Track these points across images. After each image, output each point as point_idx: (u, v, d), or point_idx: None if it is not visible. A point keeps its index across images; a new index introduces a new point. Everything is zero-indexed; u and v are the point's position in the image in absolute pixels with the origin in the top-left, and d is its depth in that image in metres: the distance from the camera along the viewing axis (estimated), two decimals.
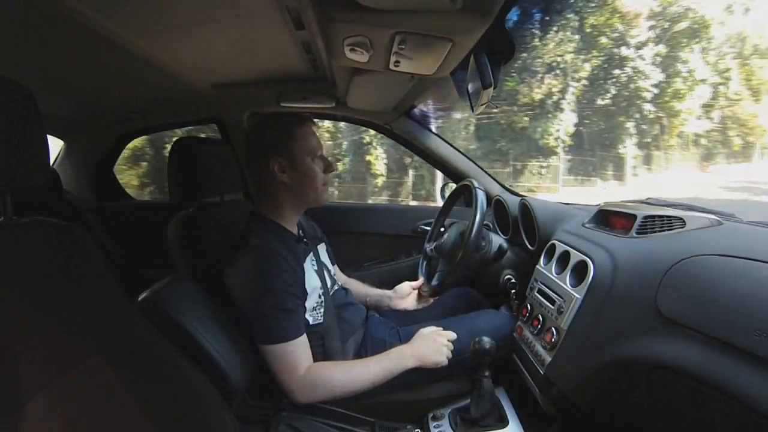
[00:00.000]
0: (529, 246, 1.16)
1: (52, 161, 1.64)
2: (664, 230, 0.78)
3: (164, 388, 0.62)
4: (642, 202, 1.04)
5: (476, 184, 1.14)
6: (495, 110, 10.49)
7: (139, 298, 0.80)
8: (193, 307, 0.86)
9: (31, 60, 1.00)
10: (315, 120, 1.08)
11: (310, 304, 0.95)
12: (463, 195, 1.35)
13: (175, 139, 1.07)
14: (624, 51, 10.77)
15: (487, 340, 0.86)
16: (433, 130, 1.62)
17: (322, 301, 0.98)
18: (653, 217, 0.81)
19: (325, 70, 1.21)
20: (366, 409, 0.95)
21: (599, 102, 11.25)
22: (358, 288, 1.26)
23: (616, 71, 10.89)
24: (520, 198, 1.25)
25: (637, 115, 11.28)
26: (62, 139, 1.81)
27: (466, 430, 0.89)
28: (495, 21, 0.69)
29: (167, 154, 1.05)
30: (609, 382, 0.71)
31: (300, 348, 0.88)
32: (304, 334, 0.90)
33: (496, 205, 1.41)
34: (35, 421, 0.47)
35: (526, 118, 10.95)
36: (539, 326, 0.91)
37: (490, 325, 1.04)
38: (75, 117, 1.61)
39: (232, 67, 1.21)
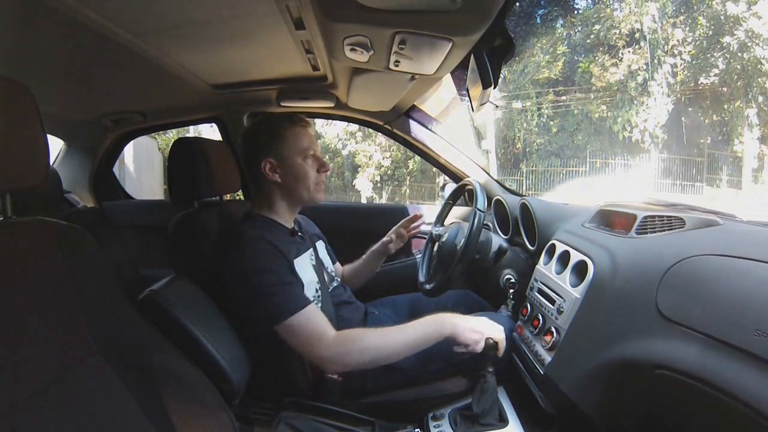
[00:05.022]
0: (529, 246, 1.16)
1: (52, 161, 1.65)
2: (664, 230, 0.78)
3: (164, 387, 0.62)
4: (642, 202, 1.04)
5: (476, 185, 1.14)
6: (563, 97, 9.00)
7: (139, 298, 0.80)
8: (193, 306, 0.86)
9: (31, 60, 1.00)
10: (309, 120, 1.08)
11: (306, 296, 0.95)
12: (463, 195, 1.35)
13: (174, 139, 1.07)
14: (732, 8, 7.50)
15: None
16: (433, 129, 1.62)
17: (319, 296, 0.98)
18: (653, 217, 0.81)
19: (325, 70, 1.21)
20: (366, 409, 0.95)
21: (702, 81, 8.25)
22: (352, 268, 1.31)
23: (725, 39, 7.64)
24: (520, 198, 1.25)
25: (760, 98, 7.86)
26: (62, 139, 1.81)
27: (466, 430, 0.89)
28: (495, 21, 0.69)
29: None
30: (609, 381, 0.71)
31: (316, 314, 0.86)
32: (313, 303, 0.89)
33: (496, 205, 1.41)
34: (35, 422, 0.47)
35: (603, 107, 8.60)
36: (539, 326, 0.91)
37: None
38: (75, 117, 1.61)
39: (232, 67, 1.21)
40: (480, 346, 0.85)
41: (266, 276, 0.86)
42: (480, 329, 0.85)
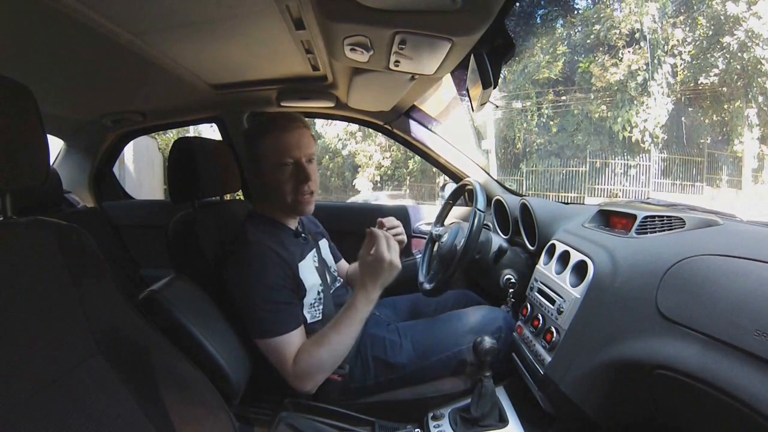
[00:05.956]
0: (529, 246, 1.16)
1: (52, 161, 1.65)
2: (664, 230, 0.78)
3: (164, 388, 0.62)
4: (642, 202, 1.04)
5: (476, 185, 1.14)
6: (563, 97, 9.10)
7: (139, 298, 0.80)
8: (193, 306, 0.86)
9: (31, 60, 1.00)
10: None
11: (308, 300, 0.95)
12: (463, 195, 1.34)
13: (174, 139, 1.08)
14: (732, 8, 7.55)
15: (488, 340, 0.86)
16: (433, 129, 1.62)
17: (320, 298, 0.98)
18: (653, 217, 0.81)
19: (325, 70, 1.21)
20: (366, 409, 0.95)
21: (702, 81, 8.33)
22: (354, 269, 1.28)
23: (725, 39, 7.65)
24: (520, 198, 1.25)
25: (761, 99, 7.88)
26: (62, 139, 1.81)
27: (466, 430, 0.89)
28: (495, 21, 0.69)
29: None
30: (609, 382, 0.71)
31: (293, 341, 0.87)
32: (300, 327, 0.90)
33: (496, 205, 1.41)
34: (35, 422, 0.47)
35: (603, 107, 8.68)
36: (539, 326, 0.91)
37: (484, 320, 1.04)
38: (75, 117, 1.62)
39: (232, 67, 1.21)
40: (398, 266, 0.93)
41: (264, 291, 0.87)
42: (384, 264, 0.89)
